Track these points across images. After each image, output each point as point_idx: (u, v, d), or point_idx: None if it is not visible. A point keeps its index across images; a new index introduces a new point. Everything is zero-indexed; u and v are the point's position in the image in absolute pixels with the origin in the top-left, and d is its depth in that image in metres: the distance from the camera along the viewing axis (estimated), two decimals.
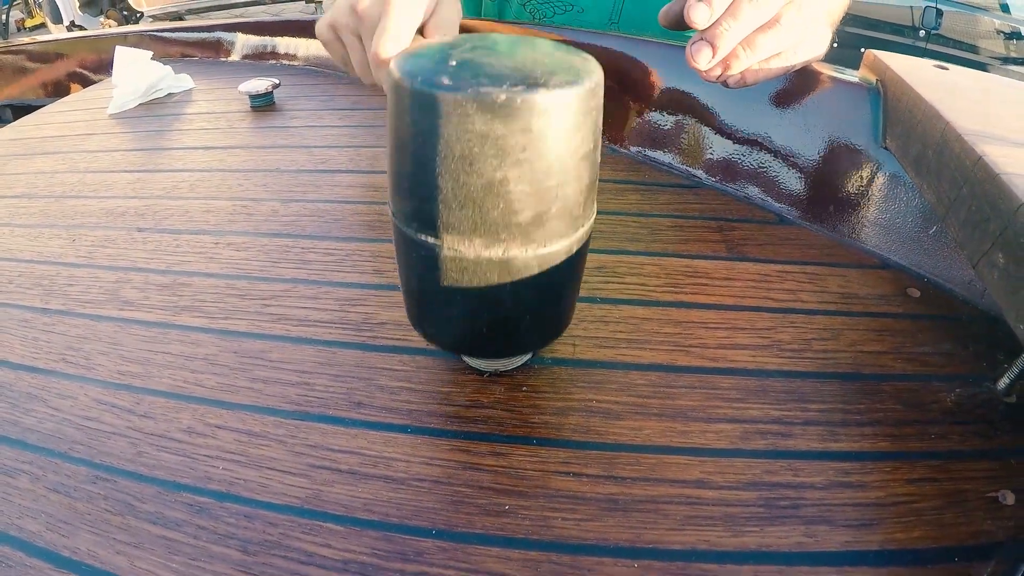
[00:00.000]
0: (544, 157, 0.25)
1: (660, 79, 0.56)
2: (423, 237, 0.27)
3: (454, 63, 0.25)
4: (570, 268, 0.29)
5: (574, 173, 0.26)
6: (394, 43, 0.38)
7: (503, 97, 0.23)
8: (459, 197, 0.25)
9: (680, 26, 0.40)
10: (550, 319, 0.31)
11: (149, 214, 0.51)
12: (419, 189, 0.26)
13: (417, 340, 0.36)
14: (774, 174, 0.48)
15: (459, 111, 0.24)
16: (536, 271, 0.28)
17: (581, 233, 0.29)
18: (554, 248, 0.28)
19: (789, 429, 0.30)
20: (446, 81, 0.24)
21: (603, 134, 0.56)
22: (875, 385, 0.33)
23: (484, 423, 0.31)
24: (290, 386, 0.34)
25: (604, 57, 0.59)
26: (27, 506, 0.29)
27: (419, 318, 0.32)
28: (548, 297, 0.30)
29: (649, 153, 0.55)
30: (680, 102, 0.54)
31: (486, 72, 0.24)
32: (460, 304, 0.29)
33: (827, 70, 0.48)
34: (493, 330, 0.30)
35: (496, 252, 0.27)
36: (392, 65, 0.26)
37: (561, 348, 0.35)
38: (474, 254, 0.27)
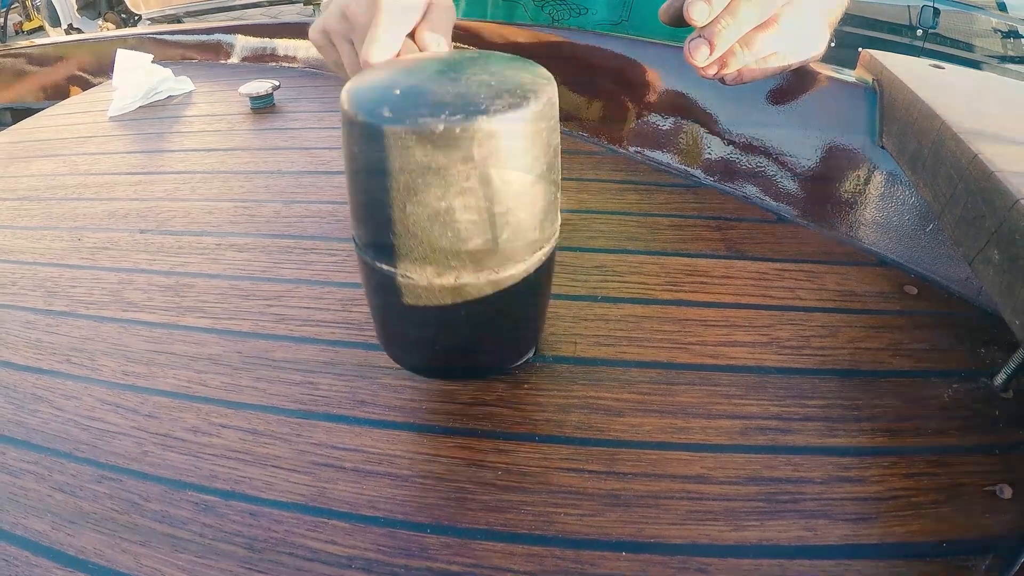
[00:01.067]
0: (491, 184, 0.24)
1: (659, 79, 0.56)
2: (379, 264, 0.27)
3: (398, 91, 0.25)
4: (529, 291, 0.29)
5: (527, 198, 0.26)
6: (382, 51, 0.38)
7: (441, 128, 0.23)
8: (407, 226, 0.25)
9: (680, 23, 0.41)
10: (510, 342, 0.31)
11: (151, 216, 0.51)
12: (371, 218, 0.26)
13: None
14: (772, 173, 0.49)
15: (399, 143, 0.23)
16: (491, 296, 0.27)
17: (539, 255, 0.28)
18: (509, 273, 0.27)
19: (788, 425, 0.31)
20: (387, 112, 0.24)
21: (603, 134, 0.57)
22: (873, 381, 0.33)
23: (487, 420, 0.31)
24: (294, 385, 0.34)
25: (604, 58, 0.59)
26: (33, 506, 0.29)
27: (384, 341, 0.32)
28: (506, 321, 0.29)
29: (648, 153, 0.55)
30: (679, 102, 0.55)
31: (428, 100, 0.24)
32: (418, 329, 0.29)
33: (824, 69, 0.48)
34: (452, 354, 0.30)
35: (448, 279, 0.26)
36: (343, 93, 0.26)
37: (563, 346, 0.35)
38: (426, 281, 0.26)
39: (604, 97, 0.59)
